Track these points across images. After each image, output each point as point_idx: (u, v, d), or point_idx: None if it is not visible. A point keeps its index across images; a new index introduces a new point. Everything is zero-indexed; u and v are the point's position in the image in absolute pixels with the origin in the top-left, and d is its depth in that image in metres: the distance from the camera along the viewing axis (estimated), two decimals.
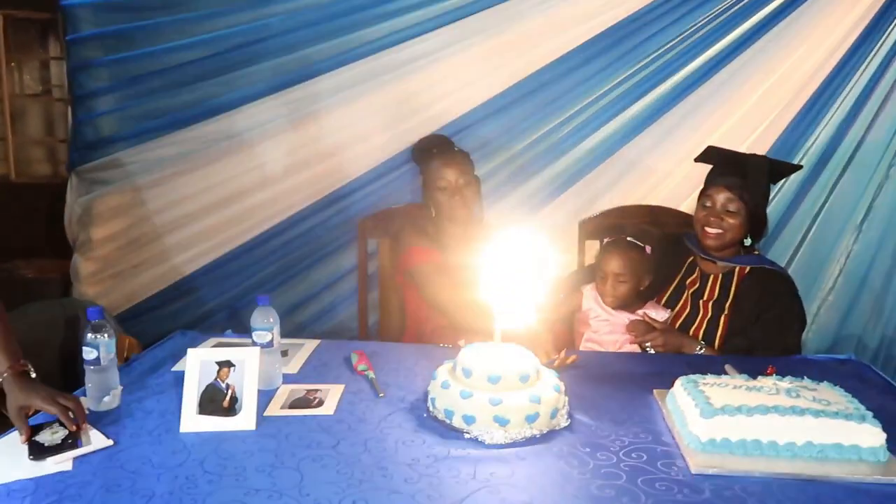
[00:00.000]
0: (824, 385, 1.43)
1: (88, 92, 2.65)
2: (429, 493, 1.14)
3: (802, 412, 1.27)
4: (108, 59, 2.63)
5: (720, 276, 2.08)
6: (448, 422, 1.37)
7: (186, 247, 2.79)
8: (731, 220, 1.99)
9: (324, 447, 1.30)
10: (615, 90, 2.66)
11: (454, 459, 1.25)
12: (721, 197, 1.99)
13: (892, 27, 2.52)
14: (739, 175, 1.98)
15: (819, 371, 1.62)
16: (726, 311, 2.02)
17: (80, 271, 2.78)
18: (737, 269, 2.06)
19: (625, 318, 2.05)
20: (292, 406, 1.49)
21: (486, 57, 2.63)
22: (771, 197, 2.43)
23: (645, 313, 2.03)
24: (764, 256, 2.15)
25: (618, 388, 1.62)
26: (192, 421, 1.38)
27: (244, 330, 1.68)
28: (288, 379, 1.64)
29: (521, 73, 2.64)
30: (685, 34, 2.59)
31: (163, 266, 2.80)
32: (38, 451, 1.25)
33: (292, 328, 2.69)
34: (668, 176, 2.71)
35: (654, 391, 1.57)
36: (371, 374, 1.65)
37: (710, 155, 2.08)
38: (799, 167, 2.33)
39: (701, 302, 2.07)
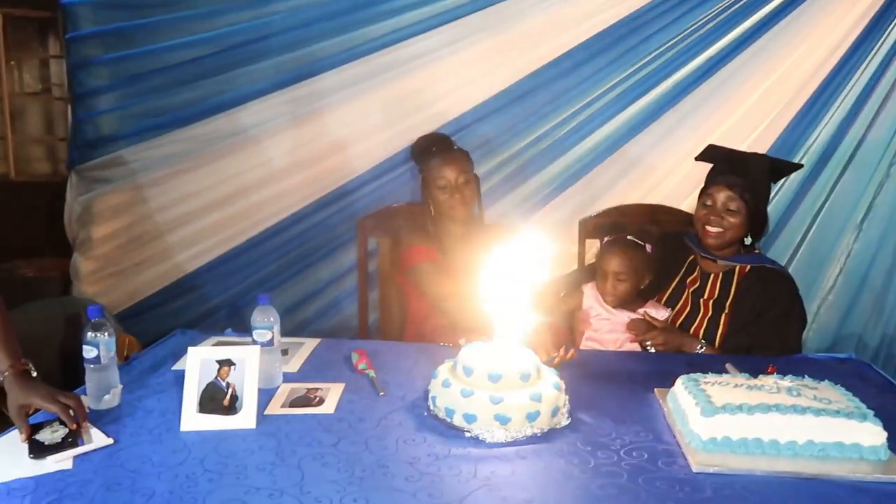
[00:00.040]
0: (825, 384, 1.43)
1: (88, 90, 2.65)
2: (430, 491, 1.14)
3: (803, 411, 1.27)
4: (109, 58, 2.63)
5: (721, 274, 2.07)
6: (449, 420, 1.37)
7: (188, 245, 2.79)
8: (731, 219, 1.98)
9: (324, 446, 1.29)
10: (615, 89, 2.66)
11: (455, 458, 1.25)
12: (722, 196, 1.99)
13: (892, 26, 2.52)
14: (740, 174, 1.98)
15: (820, 370, 1.62)
16: (727, 310, 2.02)
17: (79, 270, 2.78)
18: (737, 268, 2.06)
19: (625, 316, 2.05)
20: (293, 405, 1.49)
21: (487, 55, 2.63)
22: (771, 196, 2.43)
23: (645, 312, 2.03)
24: (764, 255, 2.15)
25: (618, 387, 1.62)
26: (193, 419, 1.37)
27: (245, 328, 1.68)
28: (288, 378, 1.64)
29: (522, 72, 2.64)
30: (686, 33, 2.59)
31: (164, 264, 2.80)
32: (39, 450, 1.25)
33: (293, 327, 2.69)
34: (669, 174, 2.71)
35: (655, 390, 1.57)
36: (371, 373, 1.65)
37: (711, 153, 2.08)
38: (800, 166, 2.33)
39: (701, 301, 2.06)
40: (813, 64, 2.58)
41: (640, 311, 2.05)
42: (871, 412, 1.28)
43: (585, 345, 2.09)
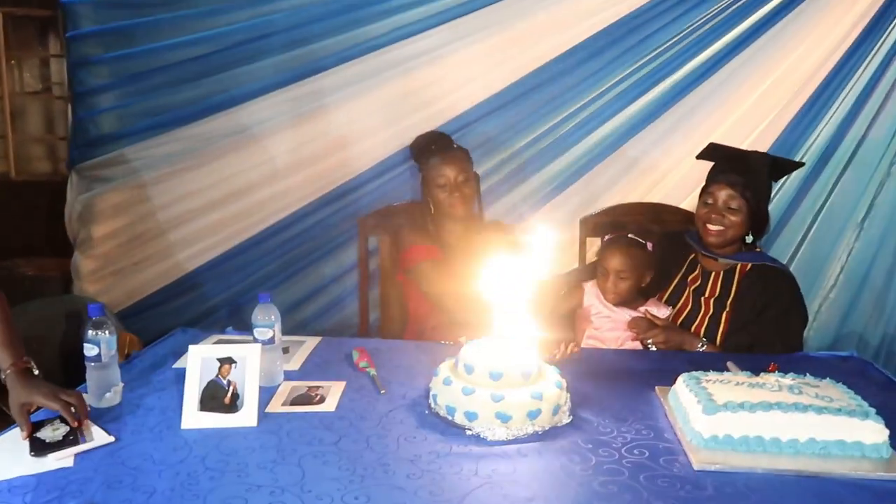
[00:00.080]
0: (827, 382, 1.43)
1: (89, 89, 2.66)
2: (431, 489, 1.13)
3: (805, 409, 1.27)
4: (109, 56, 2.63)
5: (722, 273, 2.07)
6: (450, 418, 1.37)
7: (188, 243, 2.79)
8: (732, 218, 1.98)
9: (325, 444, 1.29)
10: (616, 87, 2.66)
11: (456, 456, 1.25)
12: (723, 194, 1.99)
13: (892, 26, 2.52)
14: (741, 172, 1.98)
15: (821, 368, 1.61)
16: (728, 308, 2.02)
17: (80, 269, 2.78)
18: (738, 267, 2.06)
19: (626, 314, 2.05)
20: (294, 403, 1.49)
21: (488, 54, 2.63)
22: (772, 195, 2.43)
23: (646, 310, 2.03)
24: (765, 254, 2.15)
25: (620, 385, 1.62)
26: (194, 417, 1.37)
27: (246, 327, 1.68)
28: (289, 376, 1.64)
29: (523, 70, 2.64)
30: (687, 31, 2.59)
31: (165, 263, 2.81)
32: (40, 448, 1.25)
33: (293, 325, 2.68)
34: (670, 173, 2.71)
35: (657, 388, 1.57)
36: (372, 371, 1.65)
37: (712, 152, 2.08)
38: (801, 164, 2.33)
39: (702, 299, 2.06)
40: (813, 63, 2.58)
41: (642, 309, 2.05)
42: (873, 410, 1.28)
43: (586, 343, 2.09)
